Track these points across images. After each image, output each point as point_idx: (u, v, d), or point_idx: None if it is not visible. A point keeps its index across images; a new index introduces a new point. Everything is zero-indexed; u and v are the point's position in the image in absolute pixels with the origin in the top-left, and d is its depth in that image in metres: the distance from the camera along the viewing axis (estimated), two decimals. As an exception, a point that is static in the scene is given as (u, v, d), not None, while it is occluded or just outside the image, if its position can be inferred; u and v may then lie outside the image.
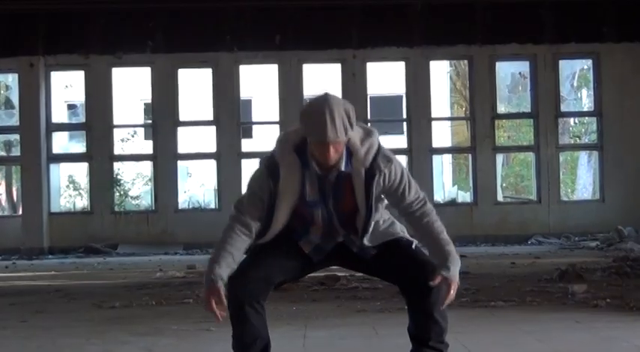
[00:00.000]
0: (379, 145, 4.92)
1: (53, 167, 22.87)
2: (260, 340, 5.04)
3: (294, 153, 4.88)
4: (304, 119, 4.77)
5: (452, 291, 4.80)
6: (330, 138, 4.66)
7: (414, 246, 5.00)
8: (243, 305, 4.91)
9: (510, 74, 31.66)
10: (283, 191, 4.88)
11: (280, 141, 4.97)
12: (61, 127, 25.72)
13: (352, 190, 4.91)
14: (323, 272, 12.70)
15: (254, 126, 28.86)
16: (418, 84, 22.48)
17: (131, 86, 27.02)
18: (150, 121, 24.33)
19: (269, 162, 4.97)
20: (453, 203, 25.51)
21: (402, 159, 23.27)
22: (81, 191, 30.91)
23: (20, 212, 22.93)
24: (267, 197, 4.92)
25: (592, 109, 23.51)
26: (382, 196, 5.00)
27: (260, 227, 4.96)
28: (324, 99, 4.79)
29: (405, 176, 4.97)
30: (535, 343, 6.78)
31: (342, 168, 4.85)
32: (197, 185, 32.55)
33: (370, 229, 4.95)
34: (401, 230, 5.04)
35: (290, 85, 22.37)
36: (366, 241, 4.95)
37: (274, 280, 5.02)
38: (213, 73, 22.44)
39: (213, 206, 24.40)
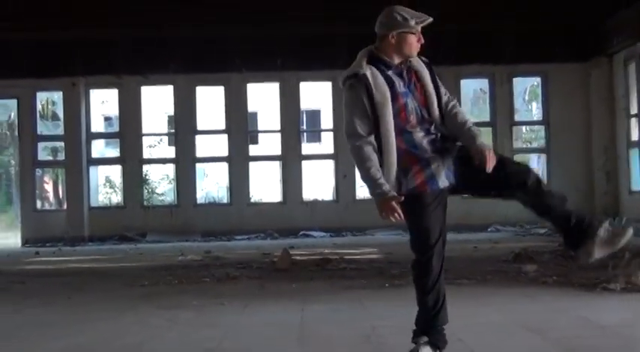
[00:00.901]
0: None
1: (92, 169, 22.84)
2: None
3: (369, 64, 4.93)
4: (398, 18, 4.92)
5: (492, 154, 4.79)
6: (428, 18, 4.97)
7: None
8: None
9: (473, 90, 31.59)
10: (377, 92, 4.86)
11: (355, 64, 5.00)
12: (99, 136, 25.68)
13: (421, 84, 5.00)
14: (318, 256, 12.75)
15: (259, 134, 28.83)
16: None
17: (157, 101, 26.93)
18: (172, 130, 24.25)
19: (354, 78, 4.95)
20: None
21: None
22: (115, 189, 30.86)
23: (65, 206, 22.87)
24: (369, 107, 4.87)
25: (541, 119, 23.50)
26: None
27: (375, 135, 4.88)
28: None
29: None
30: (494, 313, 6.79)
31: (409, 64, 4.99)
32: (212, 183, 32.56)
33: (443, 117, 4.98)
34: None
35: (289, 99, 22.36)
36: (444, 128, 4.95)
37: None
38: (225, 90, 22.41)
39: (225, 201, 24.34)
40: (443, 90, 5.09)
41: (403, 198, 4.81)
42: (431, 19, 5.01)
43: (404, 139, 4.92)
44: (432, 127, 4.99)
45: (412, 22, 4.94)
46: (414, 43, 5.02)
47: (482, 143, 4.86)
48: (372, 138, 4.89)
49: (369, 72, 4.90)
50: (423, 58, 5.14)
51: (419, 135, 4.94)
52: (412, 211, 4.92)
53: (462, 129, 4.98)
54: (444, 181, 4.91)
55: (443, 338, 5.04)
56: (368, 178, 4.88)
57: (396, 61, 4.99)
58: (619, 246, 4.88)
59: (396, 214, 4.81)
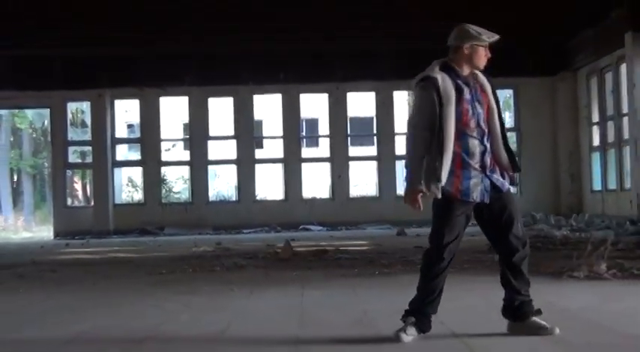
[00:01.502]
0: None
1: (117, 170, 22.84)
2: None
3: (440, 71, 4.98)
4: (472, 32, 5.02)
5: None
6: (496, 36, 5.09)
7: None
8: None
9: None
10: (445, 94, 4.88)
11: (428, 69, 5.02)
12: (122, 141, 25.70)
13: (485, 96, 5.02)
14: (316, 247, 12.73)
15: (264, 140, 28.82)
16: (385, 108, 22.47)
17: (173, 110, 26.91)
18: (187, 136, 24.24)
19: (427, 81, 4.96)
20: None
21: (372, 165, 23.32)
22: (137, 188, 30.85)
23: (92, 203, 22.86)
24: (437, 107, 4.88)
25: (513, 126, 23.46)
26: None
27: (435, 133, 4.88)
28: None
29: None
30: (472, 297, 6.79)
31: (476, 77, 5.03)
32: (222, 183, 32.52)
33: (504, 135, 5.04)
34: None
35: (290, 109, 22.36)
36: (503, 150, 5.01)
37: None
38: (234, 100, 22.41)
39: (234, 198, 24.34)
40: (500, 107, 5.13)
41: (427, 194, 4.88)
42: (498, 37, 5.11)
43: (461, 144, 4.94)
44: (486, 138, 5.00)
45: (484, 37, 5.02)
46: (483, 56, 5.07)
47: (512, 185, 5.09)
48: (428, 134, 4.91)
49: (439, 76, 4.94)
50: (486, 75, 5.17)
51: (474, 142, 4.96)
52: (439, 209, 4.98)
53: (504, 154, 5.06)
54: (476, 197, 4.96)
55: (429, 323, 5.04)
56: (409, 166, 4.98)
57: (466, 71, 5.04)
58: (537, 335, 4.94)
59: (417, 205, 4.89)
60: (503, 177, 5.06)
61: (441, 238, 4.96)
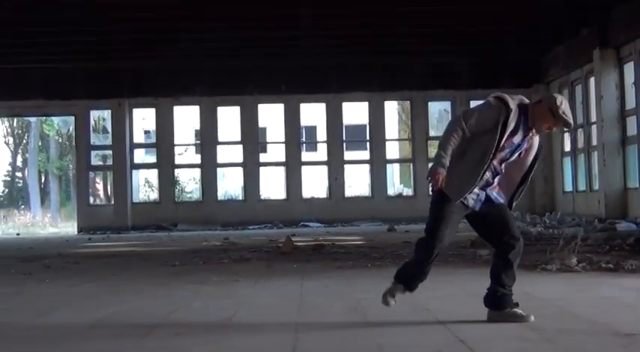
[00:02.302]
0: None
1: (135, 172, 22.84)
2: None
3: (517, 106, 4.98)
4: (557, 105, 4.93)
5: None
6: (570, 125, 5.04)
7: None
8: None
9: (438, 110, 31.53)
10: (509, 122, 4.89)
11: (510, 98, 5.02)
12: (139, 146, 25.61)
13: (527, 151, 5.06)
14: (314, 242, 12.73)
15: (268, 145, 28.77)
16: (377, 116, 22.48)
17: (186, 118, 26.89)
18: (198, 141, 24.25)
19: (504, 103, 4.98)
20: (400, 196, 25.48)
21: (365, 168, 23.31)
22: (153, 188, 30.74)
23: (112, 202, 22.88)
24: (493, 124, 4.89)
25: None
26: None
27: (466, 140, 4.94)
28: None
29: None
30: (455, 288, 6.78)
31: (533, 135, 5.04)
32: (230, 184, 32.47)
33: (522, 190, 5.13)
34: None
35: (292, 117, 22.39)
36: (514, 200, 5.13)
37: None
38: (240, 109, 22.42)
39: (240, 198, 24.31)
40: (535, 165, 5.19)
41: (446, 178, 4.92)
42: (572, 126, 5.15)
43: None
44: (497, 178, 5.09)
45: (560, 114, 4.95)
46: (545, 125, 5.05)
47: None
48: (466, 135, 4.94)
49: (515, 109, 4.96)
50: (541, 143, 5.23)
51: (488, 174, 5.02)
52: (437, 204, 5.07)
53: (516, 185, 5.17)
54: (471, 204, 5.03)
55: (414, 286, 5.16)
56: (440, 150, 4.95)
57: (529, 123, 5.02)
58: (509, 321, 4.98)
59: (438, 184, 4.91)
60: (501, 196, 5.14)
61: (434, 232, 5.01)
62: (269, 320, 5.44)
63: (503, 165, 5.07)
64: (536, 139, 5.15)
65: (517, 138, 4.99)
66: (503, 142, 4.92)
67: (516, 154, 5.07)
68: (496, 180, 5.09)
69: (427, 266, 5.08)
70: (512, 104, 4.96)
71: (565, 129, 5.00)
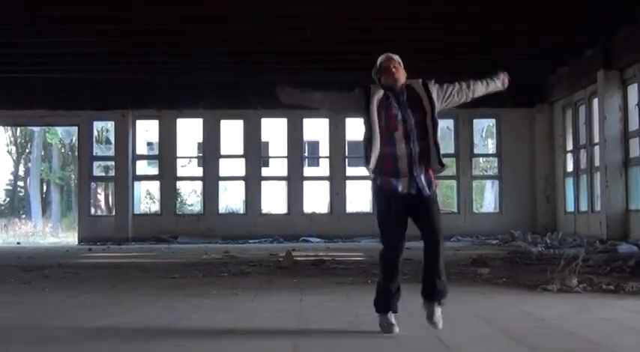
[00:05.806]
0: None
1: (136, 183, 22.83)
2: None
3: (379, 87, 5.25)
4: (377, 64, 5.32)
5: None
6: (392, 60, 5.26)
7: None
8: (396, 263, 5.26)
9: (440, 128, 31.48)
10: (373, 98, 5.18)
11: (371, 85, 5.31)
12: (142, 157, 25.69)
13: (420, 100, 5.16)
14: (314, 257, 12.72)
15: (270, 159, 28.84)
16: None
17: (189, 131, 26.96)
18: (201, 154, 24.28)
19: (364, 88, 5.33)
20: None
21: (367, 184, 23.22)
22: (154, 200, 30.78)
23: (113, 213, 22.86)
24: (357, 105, 5.35)
25: (495, 152, 23.54)
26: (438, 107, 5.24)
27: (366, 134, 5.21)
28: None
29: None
30: (455, 306, 6.76)
31: (405, 84, 5.19)
32: (231, 197, 32.48)
33: (437, 138, 5.19)
34: None
35: (294, 132, 22.41)
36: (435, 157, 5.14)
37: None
38: (243, 123, 22.46)
39: (242, 211, 24.30)
40: (450, 85, 5.36)
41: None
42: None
43: (390, 147, 5.20)
44: (415, 142, 5.14)
45: (376, 65, 5.46)
46: (385, 79, 5.37)
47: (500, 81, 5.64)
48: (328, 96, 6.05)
49: (376, 87, 5.36)
50: (425, 81, 5.36)
51: (401, 146, 5.12)
52: (377, 200, 5.40)
53: (479, 84, 5.51)
54: (402, 189, 5.19)
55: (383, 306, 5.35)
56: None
57: (389, 89, 5.28)
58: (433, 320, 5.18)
59: None
60: (429, 184, 5.17)
61: (384, 226, 5.26)
62: (268, 333, 5.44)
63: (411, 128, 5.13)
64: (419, 88, 5.23)
65: (394, 102, 5.16)
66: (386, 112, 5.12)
67: (412, 113, 5.13)
68: (415, 148, 5.14)
69: (389, 274, 5.27)
70: (375, 86, 5.30)
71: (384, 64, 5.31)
